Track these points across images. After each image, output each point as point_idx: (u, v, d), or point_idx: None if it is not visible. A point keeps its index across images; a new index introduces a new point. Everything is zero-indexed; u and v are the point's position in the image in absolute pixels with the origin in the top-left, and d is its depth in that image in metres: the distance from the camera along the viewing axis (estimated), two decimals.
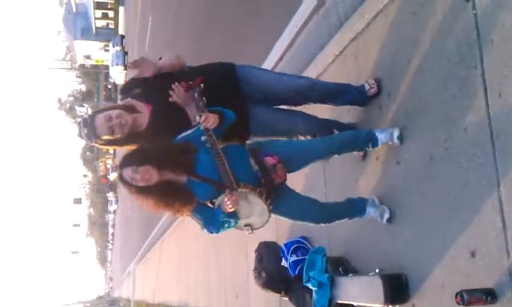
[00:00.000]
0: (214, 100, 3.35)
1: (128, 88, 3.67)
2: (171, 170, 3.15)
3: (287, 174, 3.43)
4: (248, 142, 3.66)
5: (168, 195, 3.16)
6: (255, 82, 3.76)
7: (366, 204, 3.74)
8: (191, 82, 3.16)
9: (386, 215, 3.64)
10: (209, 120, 3.04)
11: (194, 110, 3.13)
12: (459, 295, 2.63)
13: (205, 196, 3.20)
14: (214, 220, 3.23)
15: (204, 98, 3.09)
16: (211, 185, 3.16)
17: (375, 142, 3.65)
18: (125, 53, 37.38)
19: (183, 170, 3.17)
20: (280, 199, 3.36)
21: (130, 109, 3.46)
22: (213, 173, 3.13)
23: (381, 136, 3.64)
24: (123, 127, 3.39)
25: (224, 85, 3.67)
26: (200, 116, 3.04)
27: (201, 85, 3.12)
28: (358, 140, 3.70)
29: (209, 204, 3.24)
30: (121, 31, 48.18)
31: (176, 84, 3.30)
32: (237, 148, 3.40)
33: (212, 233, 3.35)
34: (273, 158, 3.33)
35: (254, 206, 3.25)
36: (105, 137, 3.42)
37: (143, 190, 3.13)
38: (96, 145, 3.57)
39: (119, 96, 3.79)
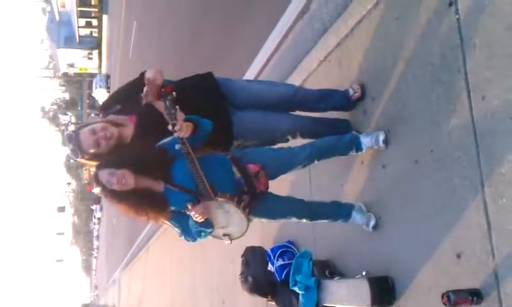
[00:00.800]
0: (198, 108, 3.38)
1: (108, 106, 3.63)
2: (148, 176, 3.14)
3: (269, 182, 3.44)
4: (230, 150, 3.65)
5: (142, 202, 3.14)
6: (236, 90, 3.81)
7: (352, 209, 3.75)
8: (162, 90, 3.07)
9: (372, 223, 3.66)
10: (182, 129, 2.96)
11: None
12: (446, 295, 2.66)
13: (181, 205, 3.15)
14: (189, 229, 3.24)
15: (177, 107, 3.01)
16: (187, 193, 3.14)
17: (359, 147, 3.66)
18: (108, 76, 38.44)
19: (159, 177, 3.16)
20: (260, 204, 3.37)
21: (115, 123, 3.41)
22: (190, 181, 3.12)
23: (366, 140, 3.66)
24: (109, 140, 3.32)
25: (207, 92, 3.69)
26: (173, 125, 2.96)
27: (173, 93, 3.02)
28: (341, 145, 3.69)
29: (186, 212, 3.19)
30: (104, 39, 47.95)
31: (145, 88, 3.27)
32: (218, 157, 3.38)
33: (189, 241, 3.36)
34: (256, 166, 3.34)
35: (232, 216, 3.24)
36: (91, 151, 3.34)
37: (116, 195, 3.11)
38: (83, 161, 3.46)
39: (100, 115, 3.68)
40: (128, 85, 3.67)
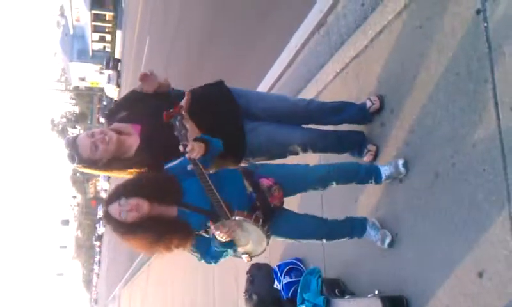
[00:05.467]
0: (210, 117, 3.32)
1: (113, 112, 3.49)
2: (159, 202, 2.94)
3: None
4: (242, 165, 3.52)
5: (164, 230, 2.90)
6: (249, 100, 3.70)
7: (367, 224, 3.59)
8: (170, 111, 2.89)
9: (388, 240, 3.50)
10: (194, 150, 2.82)
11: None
12: None
13: (199, 226, 2.97)
14: (210, 251, 3.04)
15: (187, 126, 2.89)
16: (203, 214, 2.97)
17: (378, 177, 3.50)
18: (119, 72, 38.94)
19: (171, 200, 2.98)
20: (278, 221, 3.19)
21: (117, 130, 3.24)
22: (204, 201, 2.96)
23: (385, 168, 3.51)
24: (108, 144, 3.13)
25: (221, 102, 3.58)
26: (184, 146, 2.83)
27: (182, 112, 2.90)
28: (359, 173, 3.51)
29: (204, 234, 3.02)
30: (117, 54, 48.41)
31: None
32: (229, 172, 3.25)
33: (210, 263, 3.16)
34: (268, 180, 3.17)
35: (250, 234, 3.06)
36: (88, 157, 3.15)
37: (131, 228, 2.86)
38: (79, 167, 3.27)
39: (105, 122, 3.54)
40: (134, 92, 3.56)
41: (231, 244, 3.00)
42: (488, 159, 2.75)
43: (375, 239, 3.57)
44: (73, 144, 3.15)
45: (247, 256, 3.19)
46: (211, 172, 3.01)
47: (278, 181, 3.19)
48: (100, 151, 3.14)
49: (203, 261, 3.15)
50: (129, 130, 3.30)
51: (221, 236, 2.86)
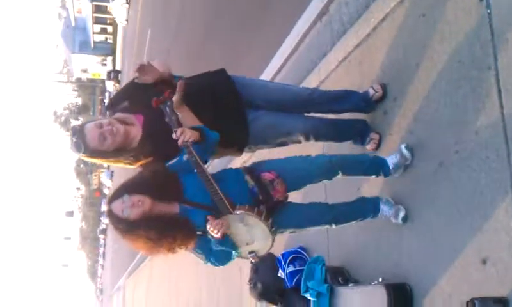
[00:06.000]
0: (212, 106, 3.32)
1: (115, 102, 3.49)
2: (161, 199, 2.91)
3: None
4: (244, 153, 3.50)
5: (166, 227, 2.86)
6: (251, 88, 3.67)
7: (379, 201, 3.50)
8: (160, 97, 2.90)
9: (402, 214, 3.40)
10: (186, 133, 2.81)
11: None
12: (471, 303, 2.50)
13: (201, 223, 2.88)
14: (214, 252, 2.99)
15: (178, 113, 2.89)
16: (204, 210, 2.90)
17: (386, 168, 3.46)
18: (119, 82, 38.78)
19: (173, 197, 2.94)
20: (282, 214, 3.12)
21: (122, 121, 3.24)
22: (204, 196, 2.91)
23: (390, 158, 3.47)
24: (115, 136, 3.14)
25: (222, 91, 3.55)
26: (175, 131, 2.81)
27: (172, 98, 2.89)
28: (364, 163, 3.48)
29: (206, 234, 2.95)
30: (119, 46, 48.39)
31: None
32: (229, 170, 3.24)
33: (216, 265, 3.10)
34: (270, 174, 3.12)
35: (254, 229, 2.97)
36: (95, 147, 3.14)
37: (134, 226, 2.84)
38: (84, 156, 3.28)
39: (107, 112, 3.52)
40: (135, 82, 3.55)
41: (229, 242, 2.95)
42: (491, 146, 2.75)
43: (388, 214, 3.47)
44: (80, 132, 3.14)
45: (253, 254, 3.10)
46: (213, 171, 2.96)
47: (280, 175, 3.14)
48: (107, 143, 3.14)
49: (209, 263, 3.09)
50: (132, 121, 3.29)
51: (211, 231, 2.80)
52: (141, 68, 3.28)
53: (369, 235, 3.76)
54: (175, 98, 3.08)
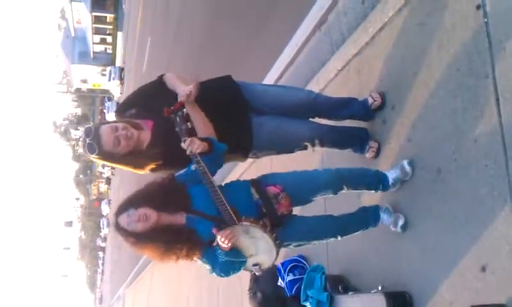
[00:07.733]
0: (217, 112, 3.30)
1: (124, 109, 3.51)
2: (168, 211, 2.94)
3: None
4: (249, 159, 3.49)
5: (173, 239, 2.91)
6: (256, 93, 3.67)
7: (379, 210, 3.53)
8: (172, 107, 2.91)
9: (401, 222, 3.42)
10: (194, 143, 2.84)
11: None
12: None
13: (207, 234, 2.90)
14: (220, 262, 2.99)
15: (189, 123, 2.90)
16: (210, 220, 2.93)
17: (386, 182, 3.47)
18: (122, 69, 40.27)
19: (179, 208, 2.97)
20: (287, 228, 3.13)
21: (134, 125, 3.26)
22: (211, 207, 2.93)
23: (390, 172, 3.49)
24: (129, 140, 3.17)
25: (228, 96, 3.55)
26: (185, 141, 2.84)
27: (184, 109, 2.91)
28: (367, 176, 3.50)
29: (212, 244, 2.97)
30: (118, 56, 48.58)
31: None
32: (237, 181, 3.26)
33: (221, 276, 3.09)
34: (276, 188, 3.13)
35: (259, 242, 2.99)
36: (108, 149, 3.16)
37: (141, 237, 2.90)
38: (96, 158, 3.29)
39: (115, 118, 3.54)
40: (145, 88, 3.58)
41: (236, 253, 2.96)
42: (489, 154, 2.76)
43: (388, 223, 3.50)
44: (95, 134, 3.16)
45: (257, 267, 3.13)
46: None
47: (285, 189, 3.14)
48: (121, 147, 3.17)
49: (214, 274, 3.09)
50: (142, 126, 3.31)
51: (222, 241, 2.82)
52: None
53: (369, 243, 3.76)
54: (190, 98, 3.12)
